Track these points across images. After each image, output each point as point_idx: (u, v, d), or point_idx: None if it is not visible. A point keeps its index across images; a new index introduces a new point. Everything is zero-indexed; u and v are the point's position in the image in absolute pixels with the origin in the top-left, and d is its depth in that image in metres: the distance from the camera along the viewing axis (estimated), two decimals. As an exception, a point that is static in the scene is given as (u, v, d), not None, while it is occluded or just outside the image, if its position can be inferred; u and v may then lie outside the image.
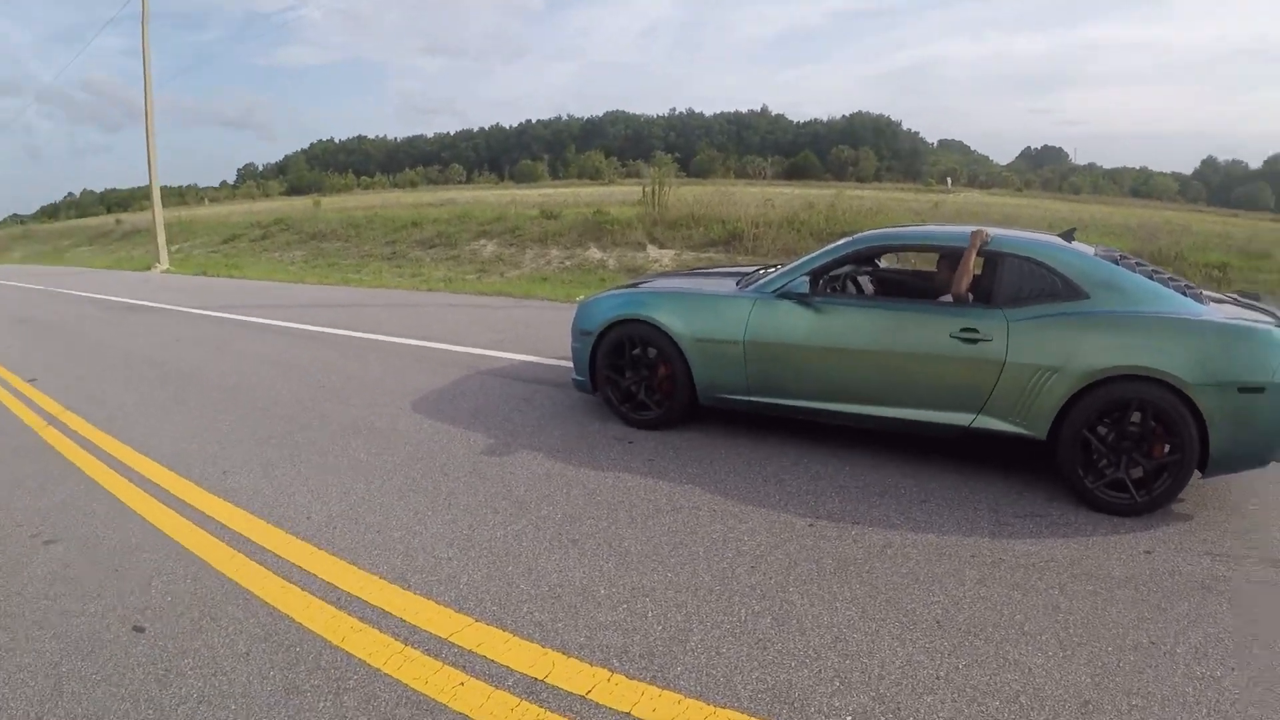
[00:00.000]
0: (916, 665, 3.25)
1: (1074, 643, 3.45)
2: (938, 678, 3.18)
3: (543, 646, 3.39)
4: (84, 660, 3.47)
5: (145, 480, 5.57)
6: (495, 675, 3.20)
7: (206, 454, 6.04)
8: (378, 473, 5.50)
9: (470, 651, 3.36)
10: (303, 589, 3.94)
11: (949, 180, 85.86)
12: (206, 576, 4.13)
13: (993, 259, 5.31)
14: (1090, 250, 5.39)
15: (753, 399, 5.76)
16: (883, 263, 7.16)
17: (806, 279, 5.56)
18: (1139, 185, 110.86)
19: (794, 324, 5.52)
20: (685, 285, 6.54)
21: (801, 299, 5.52)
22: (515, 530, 4.52)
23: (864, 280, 6.61)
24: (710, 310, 5.87)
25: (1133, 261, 5.35)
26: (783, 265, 6.06)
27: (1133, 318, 4.78)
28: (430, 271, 20.91)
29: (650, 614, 3.63)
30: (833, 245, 5.86)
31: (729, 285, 6.18)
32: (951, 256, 5.58)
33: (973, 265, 5.25)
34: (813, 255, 5.81)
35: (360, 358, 9.44)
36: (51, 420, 7.30)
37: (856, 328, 5.40)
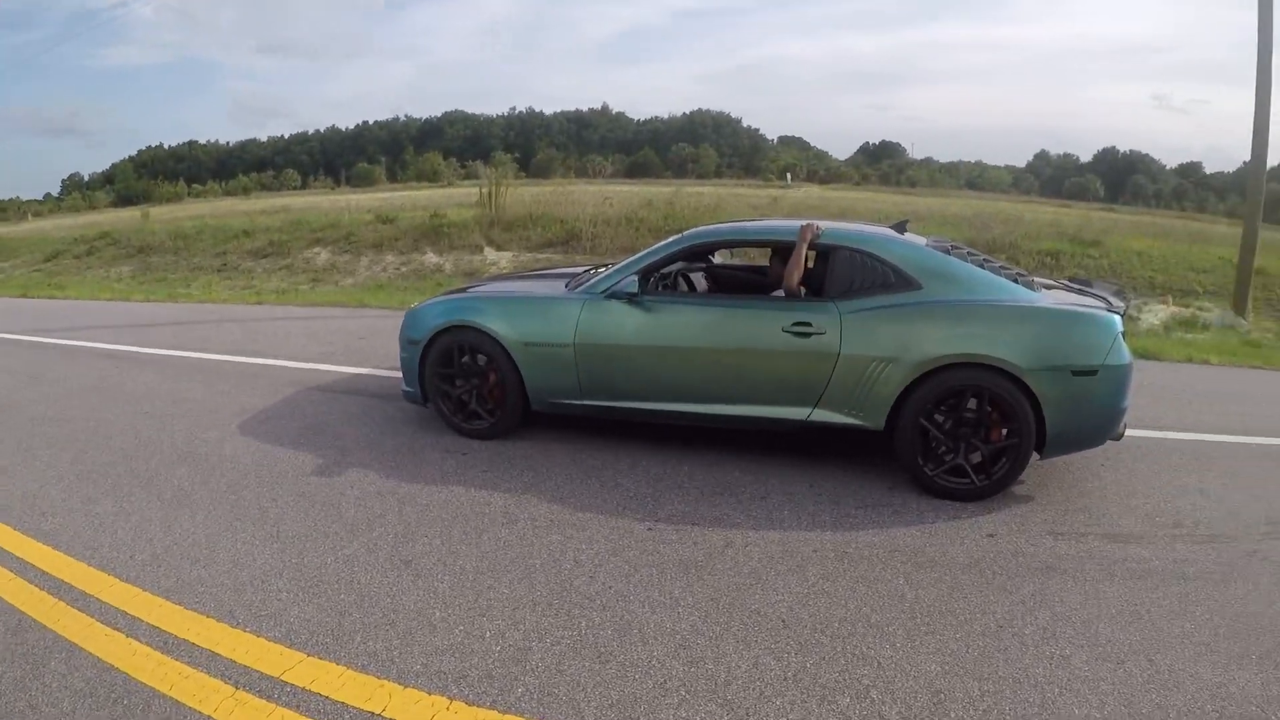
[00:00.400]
0: (763, 667, 3.22)
1: (922, 632, 3.47)
2: (785, 678, 3.15)
3: (378, 678, 3.23)
4: None
5: None
6: (331, 713, 3.02)
7: (24, 494, 5.60)
8: (203, 502, 5.18)
9: (304, 690, 3.17)
10: (128, 635, 3.68)
11: (789, 176, 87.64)
12: (28, 630, 3.82)
13: (825, 252, 5.33)
14: (922, 241, 5.48)
15: (586, 402, 5.65)
16: (717, 259, 7.17)
17: (636, 278, 5.45)
18: (974, 178, 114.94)
19: (625, 324, 5.43)
20: (513, 288, 6.39)
21: (631, 298, 5.43)
22: (346, 555, 4.30)
23: (697, 277, 6.60)
24: (539, 313, 5.73)
25: (964, 251, 5.47)
26: (613, 265, 5.98)
27: (966, 306, 4.88)
28: (262, 283, 20.23)
29: (488, 634, 3.49)
30: (662, 243, 5.81)
31: (558, 287, 6.06)
32: (783, 251, 5.58)
33: (804, 259, 5.26)
34: (642, 254, 5.74)
35: (187, 379, 8.98)
36: None
37: (688, 325, 5.35)
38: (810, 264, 5.60)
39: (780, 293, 5.33)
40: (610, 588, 3.85)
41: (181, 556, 4.45)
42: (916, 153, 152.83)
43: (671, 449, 5.69)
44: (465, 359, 5.93)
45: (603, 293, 5.54)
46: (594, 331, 5.48)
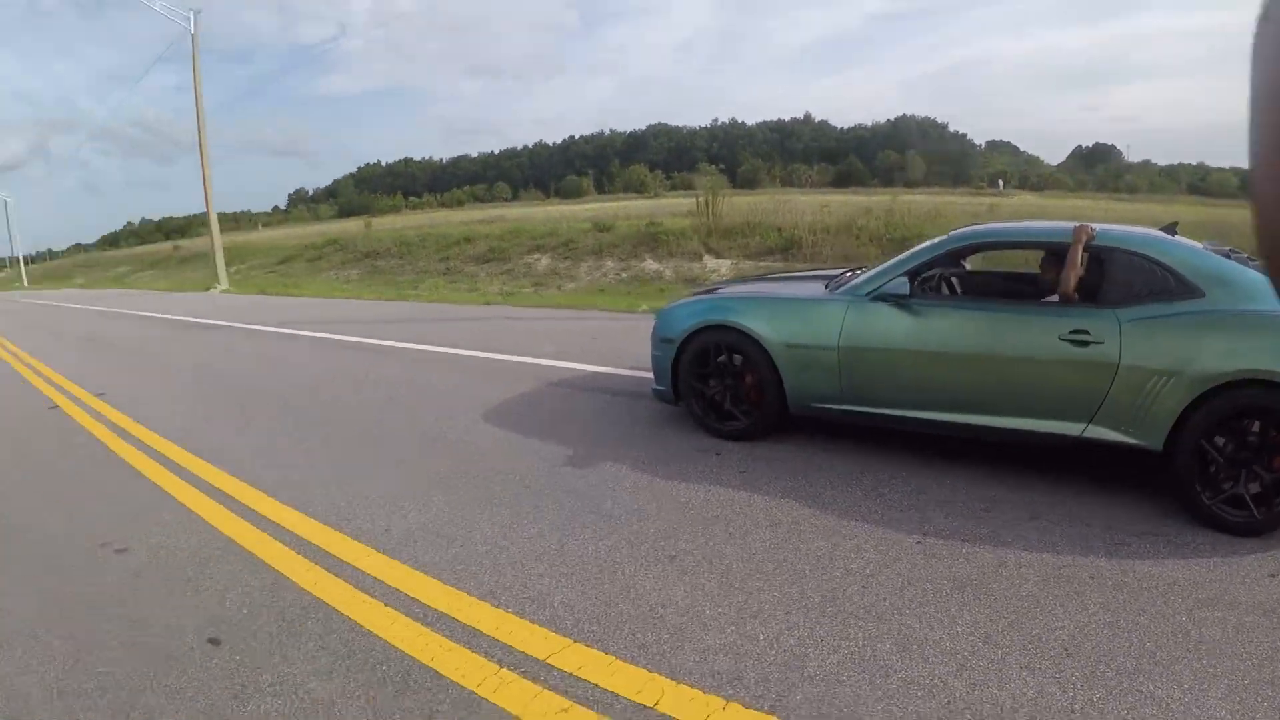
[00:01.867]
0: (1048, 697, 3.00)
1: (1210, 674, 3.16)
2: (1072, 711, 2.92)
3: (649, 671, 3.17)
4: (158, 672, 3.35)
5: (217, 490, 5.49)
6: (600, 701, 2.98)
7: (279, 465, 5.96)
8: (457, 485, 5.33)
9: (571, 675, 3.15)
10: (386, 605, 3.78)
11: (1000, 183, 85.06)
12: (284, 589, 4.00)
13: (1098, 255, 4.95)
14: (1199, 245, 5.07)
15: (848, 408, 5.46)
16: (967, 264, 6.91)
17: (905, 279, 5.26)
18: (1197, 181, 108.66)
19: (892, 328, 5.24)
20: (772, 290, 6.27)
21: (899, 301, 5.24)
22: (608, 546, 4.31)
23: (954, 281, 6.35)
24: (801, 315, 5.61)
25: (1244, 256, 4.99)
26: (869, 268, 5.81)
27: (1254, 317, 4.40)
28: (485, 286, 20.97)
29: (761, 637, 3.39)
30: (929, 244, 5.59)
31: (817, 289, 5.93)
32: (1056, 254, 5.27)
33: (1080, 262, 4.96)
34: (908, 254, 5.55)
35: (427, 370, 9.34)
36: (120, 432, 7.28)
37: (960, 331, 5.10)
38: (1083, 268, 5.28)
39: (1053, 298, 5.04)
40: (884, 600, 3.68)
41: (437, 535, 4.56)
42: (1132, 155, 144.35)
43: (928, 460, 5.43)
44: (721, 359, 5.88)
45: (868, 294, 5.38)
46: (860, 335, 5.32)
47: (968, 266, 6.81)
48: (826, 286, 5.89)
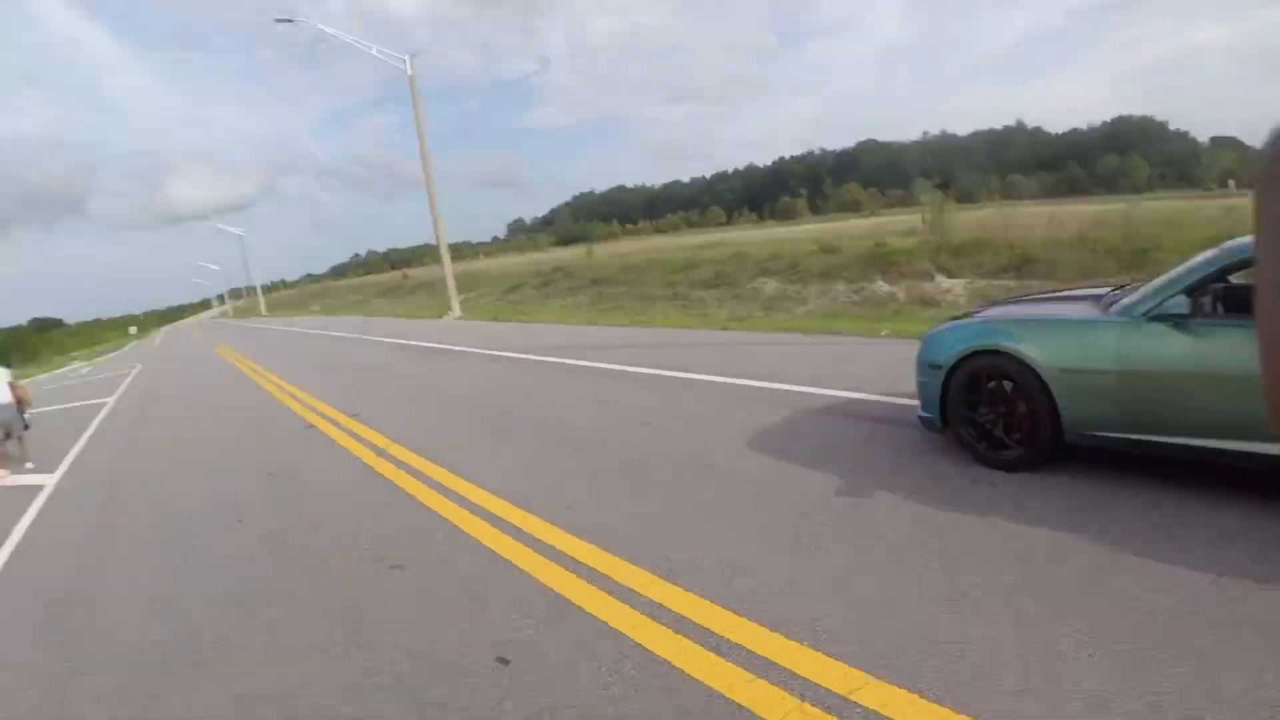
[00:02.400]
0: None
1: None
2: None
3: (955, 712, 3.16)
4: (449, 690, 3.56)
5: (483, 510, 5.74)
6: (908, 741, 2.97)
7: (542, 487, 6.19)
8: (731, 513, 5.43)
9: (874, 712, 3.18)
10: (676, 632, 3.87)
11: (1231, 183, 79.72)
12: (567, 612, 4.16)
13: None
14: None
15: (1129, 436, 5.20)
16: (1233, 278, 6.59)
17: (1183, 298, 5.02)
18: None
19: (1173, 350, 4.98)
20: (1041, 311, 6.10)
21: (1179, 321, 5.01)
22: (896, 579, 4.30)
23: (1224, 296, 6.07)
24: (1075, 337, 5.43)
25: None
26: (1139, 284, 5.64)
27: None
28: (715, 311, 21.09)
29: (1065, 681, 3.30)
30: (1204, 258, 5.24)
31: (1086, 308, 5.73)
32: None
33: None
34: (1184, 270, 5.24)
35: (677, 396, 9.49)
36: (380, 452, 7.72)
37: (1250, 351, 4.84)
38: None
39: None
40: (1188, 644, 3.50)
41: (719, 563, 4.63)
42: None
43: (1214, 494, 4.98)
44: (992, 385, 5.78)
45: (1144, 314, 5.16)
46: (1139, 357, 5.10)
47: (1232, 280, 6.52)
48: (1098, 306, 5.69)
